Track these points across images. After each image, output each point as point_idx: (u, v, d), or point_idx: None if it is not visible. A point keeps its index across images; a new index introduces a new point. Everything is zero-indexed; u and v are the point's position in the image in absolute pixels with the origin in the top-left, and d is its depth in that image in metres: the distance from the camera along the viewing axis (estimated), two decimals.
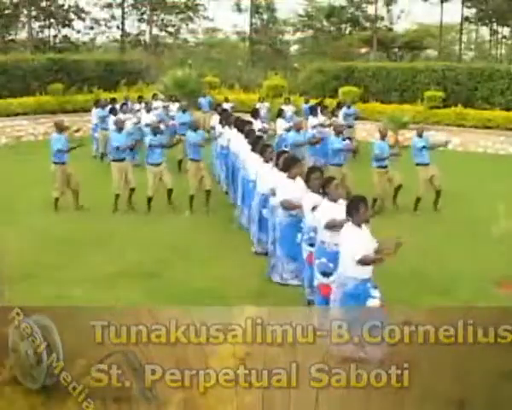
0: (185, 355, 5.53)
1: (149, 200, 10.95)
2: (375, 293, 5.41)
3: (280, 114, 15.65)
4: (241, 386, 2.53)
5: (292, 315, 6.57)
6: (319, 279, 6.12)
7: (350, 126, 17.01)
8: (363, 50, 51.48)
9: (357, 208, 5.43)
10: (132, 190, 11.09)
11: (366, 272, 5.37)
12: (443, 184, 11.31)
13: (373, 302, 5.39)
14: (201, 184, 11.08)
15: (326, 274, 6.03)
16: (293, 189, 7.33)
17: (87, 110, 21.46)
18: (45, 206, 11.03)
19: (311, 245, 6.60)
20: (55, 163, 10.98)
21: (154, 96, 18.71)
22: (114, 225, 10.16)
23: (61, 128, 11.19)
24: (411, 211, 11.25)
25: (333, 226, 5.89)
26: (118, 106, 16.46)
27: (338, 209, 5.94)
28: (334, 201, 6.13)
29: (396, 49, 49.79)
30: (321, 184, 6.39)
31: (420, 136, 11.44)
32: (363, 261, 5.30)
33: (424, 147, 11.20)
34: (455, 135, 20.57)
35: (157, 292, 7.14)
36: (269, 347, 5.75)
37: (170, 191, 11.14)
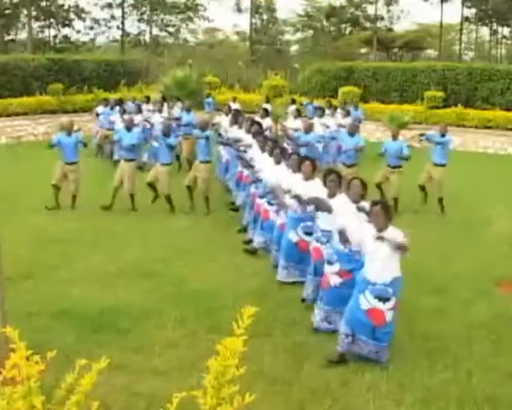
0: (185, 355, 5.54)
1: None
2: (371, 299, 5.38)
3: (300, 114, 15.83)
4: (242, 386, 2.52)
5: (291, 315, 6.59)
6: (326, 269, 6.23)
7: (358, 128, 16.99)
8: (363, 50, 51.54)
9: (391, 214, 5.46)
10: (131, 196, 11.11)
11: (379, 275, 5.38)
12: (444, 185, 11.28)
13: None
14: (195, 185, 11.07)
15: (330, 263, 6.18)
16: (305, 189, 7.26)
17: (87, 110, 21.51)
18: (45, 206, 11.01)
19: (309, 234, 6.76)
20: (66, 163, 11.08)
21: (147, 99, 18.51)
22: (114, 225, 10.16)
23: (69, 130, 11.16)
24: (412, 211, 11.25)
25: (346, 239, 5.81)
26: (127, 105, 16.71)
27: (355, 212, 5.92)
28: (356, 202, 6.04)
29: (396, 49, 49.84)
30: (344, 185, 6.32)
31: (443, 135, 11.41)
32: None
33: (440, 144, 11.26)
34: (455, 135, 20.58)
35: (157, 292, 7.14)
36: (269, 347, 5.76)
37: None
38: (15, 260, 7.30)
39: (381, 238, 5.22)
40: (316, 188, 6.80)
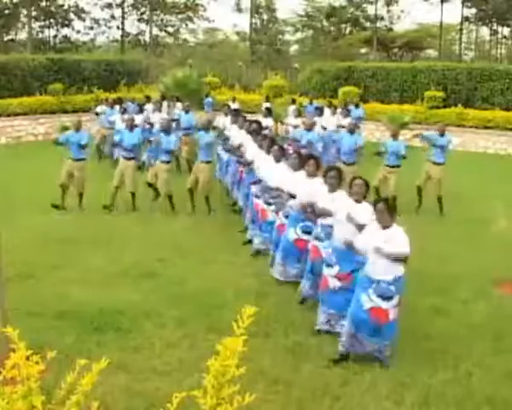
0: (185, 355, 5.54)
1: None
2: (374, 298, 5.37)
3: (300, 114, 15.89)
4: (242, 386, 2.52)
5: (291, 315, 6.59)
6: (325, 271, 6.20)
7: (358, 127, 17.11)
8: (363, 50, 51.54)
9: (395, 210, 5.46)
10: (132, 194, 11.16)
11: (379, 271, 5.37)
12: (443, 183, 11.29)
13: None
14: (196, 185, 11.07)
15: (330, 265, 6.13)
16: (308, 187, 7.26)
17: (87, 110, 21.53)
18: (45, 206, 11.01)
19: (308, 233, 6.76)
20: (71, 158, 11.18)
21: (148, 99, 18.44)
22: (114, 225, 10.15)
23: (78, 128, 11.34)
24: (411, 211, 11.24)
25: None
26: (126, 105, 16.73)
27: (359, 209, 5.92)
28: (358, 201, 6.02)
29: (396, 49, 49.83)
30: (347, 183, 6.33)
31: (442, 135, 11.46)
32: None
33: (442, 146, 11.29)
34: (455, 135, 20.59)
35: (157, 292, 7.14)
36: (269, 347, 5.76)
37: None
38: (15, 260, 7.29)
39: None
40: (318, 186, 6.82)
